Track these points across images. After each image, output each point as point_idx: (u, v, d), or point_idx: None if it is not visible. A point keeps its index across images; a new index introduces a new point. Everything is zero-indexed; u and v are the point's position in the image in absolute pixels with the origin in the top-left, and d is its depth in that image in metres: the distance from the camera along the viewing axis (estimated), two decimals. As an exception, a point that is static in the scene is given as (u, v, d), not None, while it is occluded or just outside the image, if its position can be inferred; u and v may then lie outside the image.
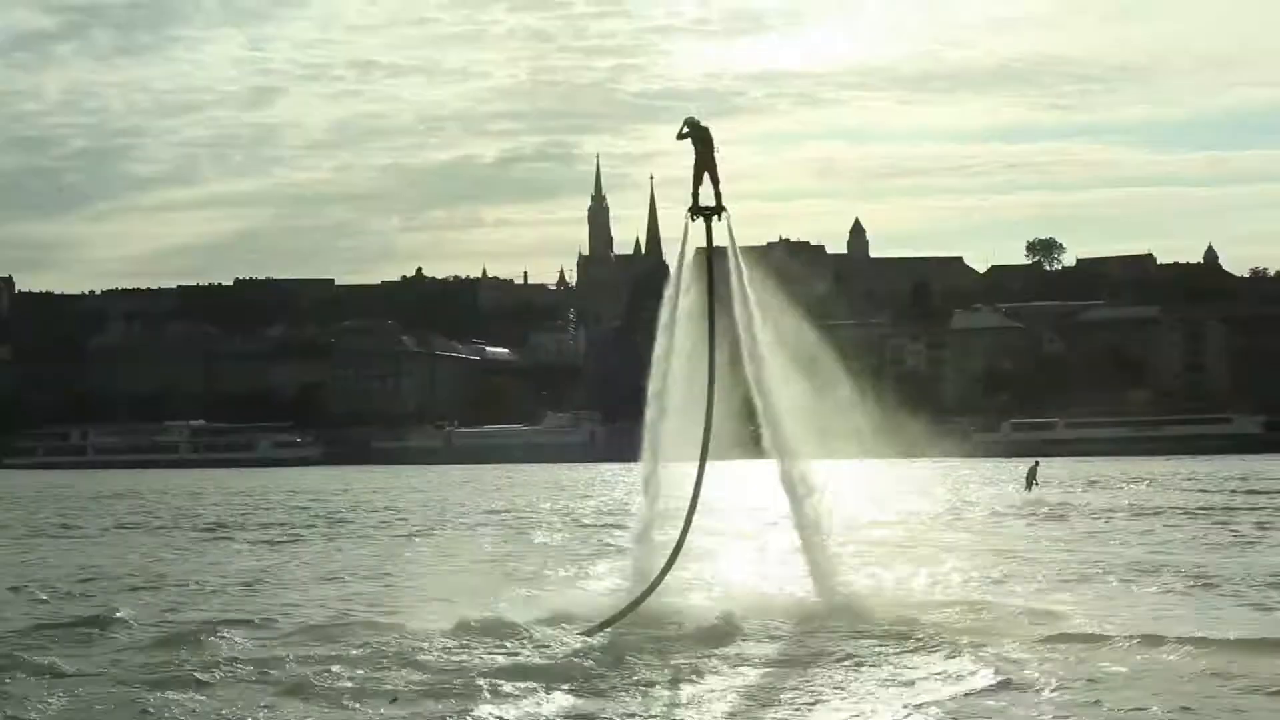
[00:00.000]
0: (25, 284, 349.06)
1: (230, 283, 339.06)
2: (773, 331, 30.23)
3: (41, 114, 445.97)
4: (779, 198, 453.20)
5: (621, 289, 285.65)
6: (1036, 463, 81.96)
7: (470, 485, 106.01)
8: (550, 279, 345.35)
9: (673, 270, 29.82)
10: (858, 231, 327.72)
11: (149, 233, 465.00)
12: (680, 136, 28.17)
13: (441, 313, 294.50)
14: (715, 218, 27.91)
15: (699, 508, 27.71)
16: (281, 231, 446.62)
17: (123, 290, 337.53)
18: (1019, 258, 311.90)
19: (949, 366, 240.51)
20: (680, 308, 28.98)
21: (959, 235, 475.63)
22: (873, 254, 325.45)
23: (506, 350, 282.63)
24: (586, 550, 43.77)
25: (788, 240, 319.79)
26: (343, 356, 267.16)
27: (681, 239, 29.00)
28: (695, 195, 27.88)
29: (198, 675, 21.29)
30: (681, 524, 27.36)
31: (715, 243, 28.29)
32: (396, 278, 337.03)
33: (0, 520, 68.91)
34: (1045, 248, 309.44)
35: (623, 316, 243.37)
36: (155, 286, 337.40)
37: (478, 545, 47.47)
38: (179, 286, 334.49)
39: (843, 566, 30.17)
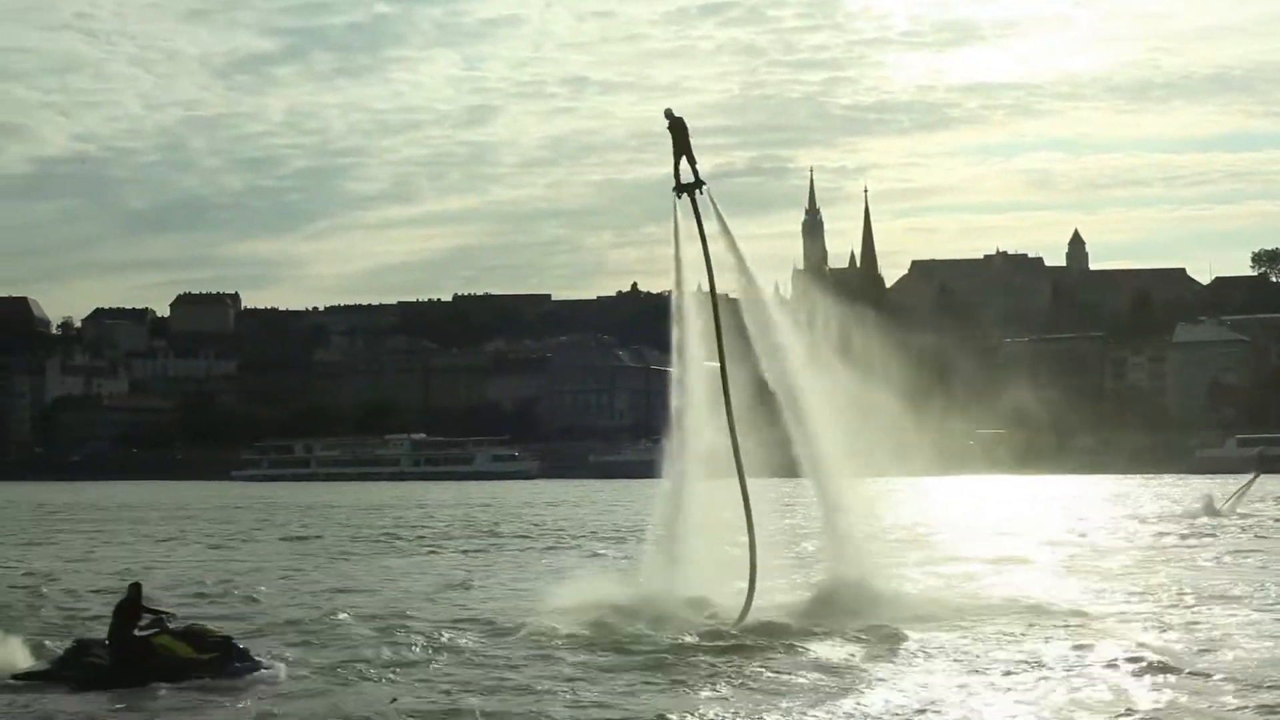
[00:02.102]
0: (251, 300, 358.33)
1: (448, 298, 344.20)
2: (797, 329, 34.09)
3: (264, 135, 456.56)
4: (994, 210, 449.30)
5: (837, 302, 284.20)
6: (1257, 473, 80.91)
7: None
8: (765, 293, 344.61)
9: (674, 260, 33.27)
10: (1076, 243, 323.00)
11: (369, 250, 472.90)
12: (669, 126, 32.11)
13: (656, 327, 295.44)
14: (698, 191, 32.12)
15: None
16: (498, 248, 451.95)
17: (344, 306, 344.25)
18: (1244, 269, 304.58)
19: (1171, 381, 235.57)
20: (691, 318, 32.67)
21: (1181, 246, 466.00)
22: (1092, 266, 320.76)
23: (716, 364, 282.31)
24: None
25: (1005, 253, 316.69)
26: (559, 371, 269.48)
27: (673, 219, 32.76)
28: (677, 175, 32.26)
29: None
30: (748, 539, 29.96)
31: (701, 214, 32.19)
32: (611, 293, 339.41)
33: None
34: (1271, 258, 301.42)
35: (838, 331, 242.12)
36: (376, 302, 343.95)
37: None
38: (399, 302, 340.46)
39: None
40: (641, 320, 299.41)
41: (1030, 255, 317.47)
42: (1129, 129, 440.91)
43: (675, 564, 32.45)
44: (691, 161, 32.26)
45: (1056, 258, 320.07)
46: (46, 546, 61.43)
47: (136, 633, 24.67)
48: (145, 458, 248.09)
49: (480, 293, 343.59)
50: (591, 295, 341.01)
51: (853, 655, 26.18)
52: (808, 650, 26.74)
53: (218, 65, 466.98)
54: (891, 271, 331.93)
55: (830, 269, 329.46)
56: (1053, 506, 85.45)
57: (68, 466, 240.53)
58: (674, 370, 32.89)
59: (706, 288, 32.46)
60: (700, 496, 32.10)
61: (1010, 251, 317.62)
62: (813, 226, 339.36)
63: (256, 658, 25.26)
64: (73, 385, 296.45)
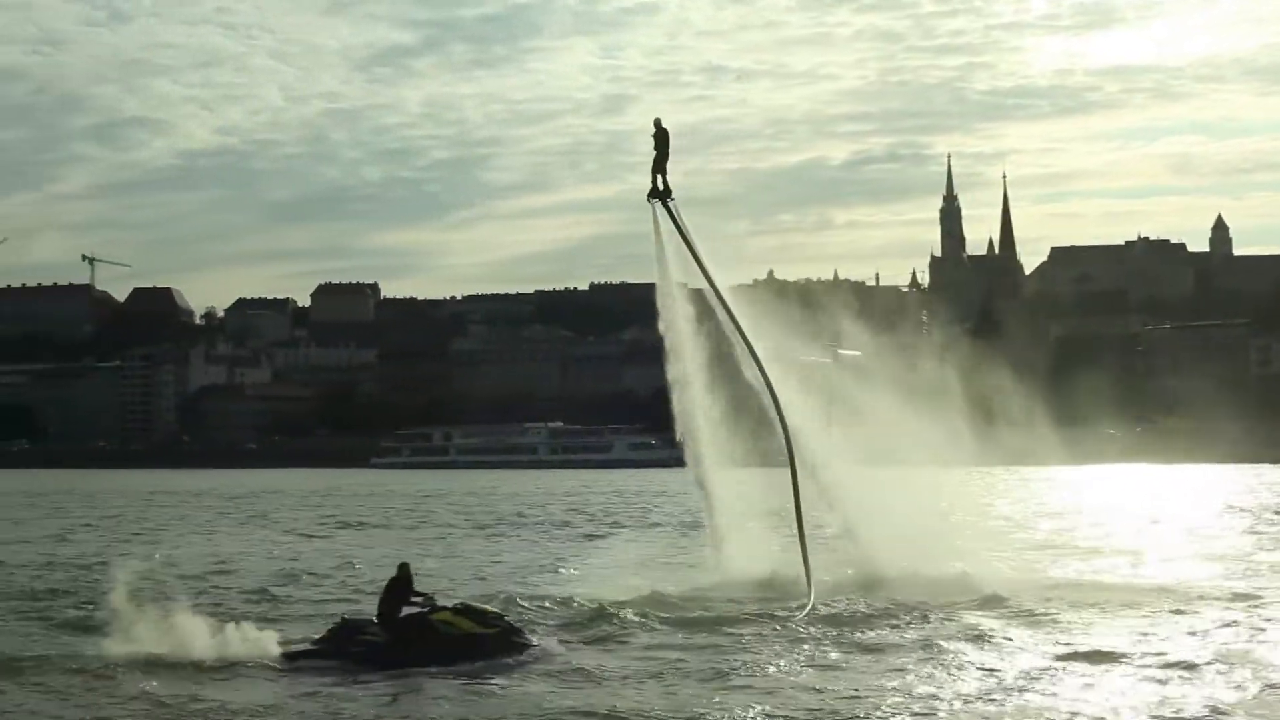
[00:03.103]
0: (390, 290, 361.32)
1: (585, 287, 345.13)
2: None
3: (404, 126, 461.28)
4: (1135, 195, 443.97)
5: (975, 289, 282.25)
6: None
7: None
8: (902, 280, 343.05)
9: (656, 255, 36.90)
10: (1220, 228, 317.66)
11: (506, 239, 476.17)
12: (655, 135, 35.28)
13: (794, 314, 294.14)
14: (669, 198, 35.93)
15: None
16: (634, 236, 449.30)
17: (482, 295, 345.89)
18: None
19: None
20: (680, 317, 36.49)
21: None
22: (1236, 251, 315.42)
23: (858, 352, 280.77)
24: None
25: (1146, 239, 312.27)
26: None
27: (654, 224, 36.20)
28: (655, 181, 35.69)
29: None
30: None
31: (666, 220, 36.01)
32: (748, 281, 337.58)
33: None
34: None
35: (976, 317, 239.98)
36: (513, 291, 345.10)
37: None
38: (536, 291, 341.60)
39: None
40: (778, 308, 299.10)
41: (1172, 241, 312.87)
42: (1272, 111, 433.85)
43: (722, 550, 35.52)
44: (664, 172, 35.60)
45: (1199, 243, 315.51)
46: (207, 534, 62.94)
47: (405, 610, 25.42)
48: (286, 446, 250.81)
49: (617, 281, 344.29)
50: (728, 283, 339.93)
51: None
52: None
53: (357, 58, 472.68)
54: (1030, 258, 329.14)
55: (968, 256, 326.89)
56: (1188, 495, 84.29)
57: (213, 454, 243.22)
58: (669, 367, 36.43)
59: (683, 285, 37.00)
60: (724, 485, 35.36)
61: (1152, 237, 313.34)
62: (950, 213, 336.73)
63: (529, 634, 26.32)
64: (216, 374, 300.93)
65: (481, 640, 25.02)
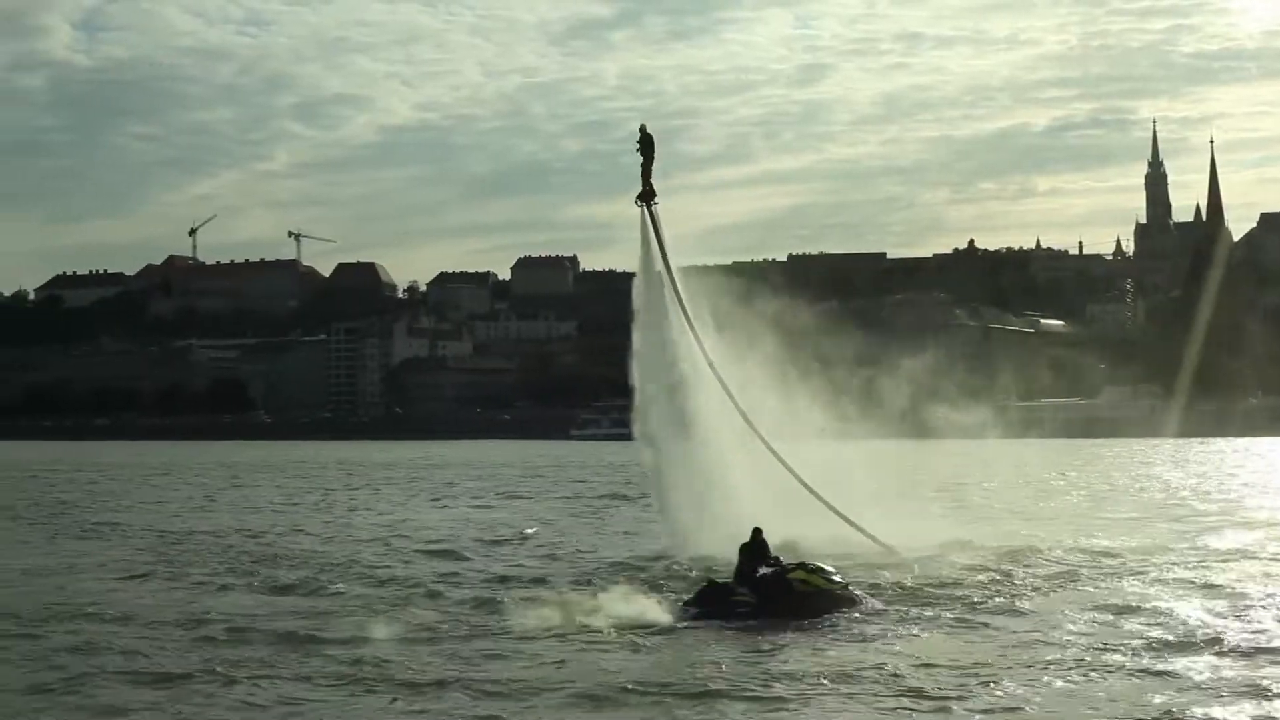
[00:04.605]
0: (589, 262, 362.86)
1: (783, 258, 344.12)
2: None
3: (600, 99, 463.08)
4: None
5: (1182, 258, 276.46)
6: None
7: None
8: (1106, 249, 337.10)
9: (640, 254, 40.55)
10: None
11: (703, 211, 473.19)
12: (641, 140, 37.85)
13: (994, 284, 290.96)
14: (654, 200, 38.99)
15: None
16: (832, 206, 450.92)
17: (679, 267, 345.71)
18: None
19: None
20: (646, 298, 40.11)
21: None
22: None
23: (1061, 322, 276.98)
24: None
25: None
26: (894, 329, 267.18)
27: (640, 223, 39.22)
28: (644, 184, 38.31)
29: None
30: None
31: (647, 221, 39.10)
32: (948, 250, 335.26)
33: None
34: None
35: (1183, 286, 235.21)
36: (710, 263, 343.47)
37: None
38: (733, 263, 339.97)
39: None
40: (979, 277, 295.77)
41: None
42: None
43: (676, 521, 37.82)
44: (650, 175, 37.85)
45: None
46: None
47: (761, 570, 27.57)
48: (487, 417, 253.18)
49: (815, 252, 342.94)
50: (928, 253, 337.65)
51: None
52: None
53: (555, 32, 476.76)
54: (1239, 225, 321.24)
55: (1174, 223, 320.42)
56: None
57: (424, 425, 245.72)
58: (636, 348, 40.42)
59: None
60: (679, 458, 38.32)
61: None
62: (1156, 179, 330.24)
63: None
64: (418, 347, 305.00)
65: (830, 596, 27.18)
